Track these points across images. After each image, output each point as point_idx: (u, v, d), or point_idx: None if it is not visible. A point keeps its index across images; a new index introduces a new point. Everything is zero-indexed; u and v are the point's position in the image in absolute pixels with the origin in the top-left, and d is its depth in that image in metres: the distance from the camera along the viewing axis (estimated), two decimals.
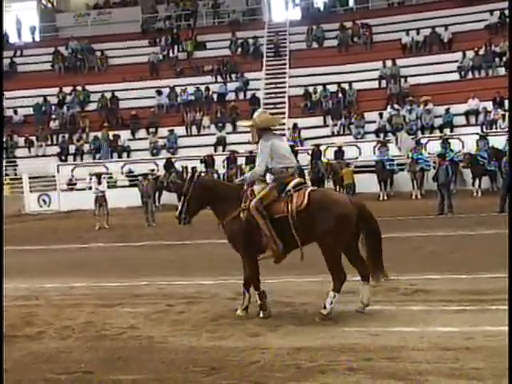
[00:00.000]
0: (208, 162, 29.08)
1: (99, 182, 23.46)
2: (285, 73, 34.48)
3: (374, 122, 30.54)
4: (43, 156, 33.04)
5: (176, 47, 37.30)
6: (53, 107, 35.25)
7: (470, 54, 31.95)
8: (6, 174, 32.44)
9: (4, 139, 33.02)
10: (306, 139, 30.56)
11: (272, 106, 32.70)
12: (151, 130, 32.88)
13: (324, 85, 32.64)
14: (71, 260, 15.28)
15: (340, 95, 32.37)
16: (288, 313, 8.66)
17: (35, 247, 18.03)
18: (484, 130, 28.36)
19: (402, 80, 32.21)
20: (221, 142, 31.38)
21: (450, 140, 27.16)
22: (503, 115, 27.96)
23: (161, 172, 28.79)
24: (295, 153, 27.43)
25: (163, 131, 32.62)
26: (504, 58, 30.82)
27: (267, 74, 34.60)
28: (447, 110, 29.60)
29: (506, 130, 25.80)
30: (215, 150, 31.03)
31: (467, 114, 29.82)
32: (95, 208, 23.07)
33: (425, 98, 30.17)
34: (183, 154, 30.91)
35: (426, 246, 13.89)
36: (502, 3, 31.72)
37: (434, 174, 21.12)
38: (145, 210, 23.02)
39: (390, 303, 8.87)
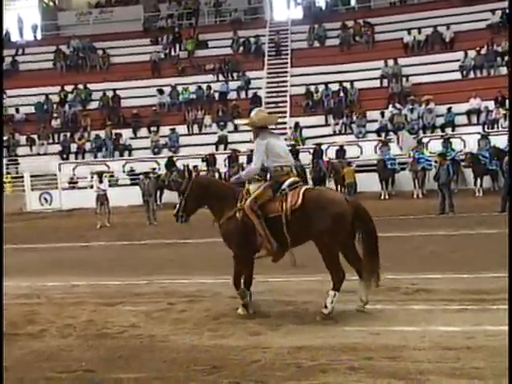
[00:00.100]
0: (209, 160, 29.12)
1: (101, 181, 23.50)
2: (286, 72, 34.47)
3: (376, 121, 30.55)
4: (45, 154, 33.06)
5: (178, 46, 37.29)
6: (54, 106, 35.27)
7: (472, 53, 31.92)
8: (8, 173, 32.48)
9: (6, 138, 33.05)
10: (308, 138, 30.54)
11: (274, 105, 32.73)
12: (153, 128, 32.89)
13: (326, 84, 32.63)
14: (72, 258, 15.28)
15: (342, 94, 32.34)
16: (289, 312, 8.67)
17: (36, 246, 18.05)
18: (486, 129, 28.34)
19: (404, 79, 32.19)
20: (222, 141, 31.38)
21: (451, 139, 27.17)
22: (505, 114, 27.94)
23: (162, 171, 28.81)
24: (297, 152, 27.59)
25: (165, 130, 32.63)
26: (506, 58, 30.75)
27: (269, 73, 34.59)
28: (449, 110, 29.59)
29: (508, 129, 25.78)
30: (217, 149, 31.04)
31: (469, 113, 29.80)
32: (97, 206, 23.09)
33: (426, 97, 30.15)
34: (185, 153, 30.90)
35: (427, 245, 13.89)
36: (504, 2, 31.64)
37: (435, 173, 21.10)
38: (146, 209, 23.05)
39: (391, 302, 8.87)
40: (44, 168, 31.07)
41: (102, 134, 32.81)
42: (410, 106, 30.41)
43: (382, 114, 30.32)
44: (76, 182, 30.78)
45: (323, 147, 28.42)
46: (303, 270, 10.38)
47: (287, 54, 35.38)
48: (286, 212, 8.24)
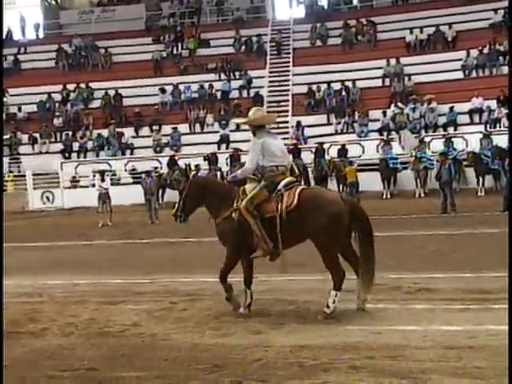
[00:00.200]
0: (211, 159, 29.12)
1: (102, 180, 23.53)
2: (288, 71, 34.48)
3: (378, 120, 30.55)
4: (47, 153, 33.11)
5: (180, 45, 37.31)
6: (57, 104, 35.34)
7: (474, 52, 31.91)
8: (10, 171, 32.55)
9: (8, 136, 33.09)
10: (310, 137, 30.53)
11: (275, 104, 32.78)
12: (155, 127, 32.92)
13: (328, 83, 32.61)
14: (74, 257, 15.29)
15: (344, 93, 32.35)
16: (291, 311, 8.67)
17: (38, 244, 18.04)
18: (488, 128, 28.32)
19: (406, 78, 32.18)
20: (224, 140, 31.39)
21: (453, 139, 27.14)
22: (507, 114, 27.90)
23: (164, 169, 28.81)
24: (299, 151, 27.60)
25: (167, 129, 32.66)
26: (508, 57, 30.71)
27: (271, 72, 34.59)
28: (451, 109, 29.57)
29: (509, 128, 25.78)
30: (218, 148, 31.05)
31: (471, 112, 29.78)
32: (98, 205, 23.12)
33: (428, 96, 30.14)
34: (186, 152, 30.92)
35: (429, 244, 13.89)
36: (506, 2, 31.61)
37: (436, 172, 21.07)
38: (148, 208, 23.06)
39: (393, 302, 8.87)
40: (46, 167, 31.11)
41: (104, 132, 32.86)
42: (412, 105, 30.40)
43: (384, 113, 30.32)
44: (78, 181, 30.83)
45: (325, 146, 28.40)
46: (305, 269, 10.41)
47: (289, 53, 35.38)
48: (280, 212, 8.25)
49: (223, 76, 35.11)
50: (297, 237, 8.39)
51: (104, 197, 22.93)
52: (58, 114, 34.62)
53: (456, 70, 32.02)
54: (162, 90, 34.29)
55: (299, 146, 28.38)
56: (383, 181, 26.20)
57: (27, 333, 8.35)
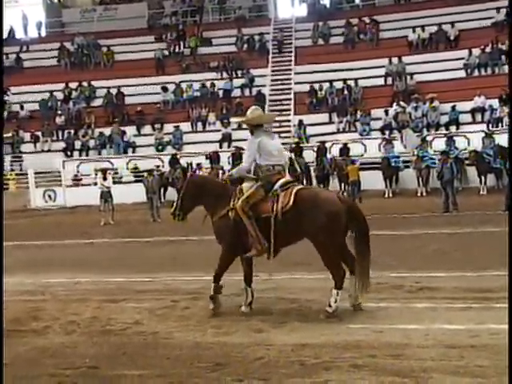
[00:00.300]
0: (213, 158, 29.11)
1: (104, 178, 23.53)
2: (290, 69, 34.44)
3: (380, 119, 30.53)
4: (49, 151, 33.12)
5: (182, 43, 37.27)
6: (59, 103, 35.34)
7: (477, 51, 31.85)
8: (12, 170, 32.57)
9: (10, 134, 33.12)
10: (312, 136, 30.52)
11: (278, 103, 32.78)
12: (157, 126, 32.91)
13: (330, 82, 32.59)
14: (76, 255, 15.30)
15: (346, 92, 32.34)
16: (293, 309, 8.68)
17: (40, 242, 18.05)
18: (490, 127, 28.30)
19: (408, 77, 32.15)
20: (226, 139, 31.37)
21: (455, 138, 27.12)
22: (508, 113, 27.88)
23: (166, 168, 28.82)
24: (300, 149, 27.60)
25: (169, 127, 32.66)
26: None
27: (273, 71, 34.57)
28: (453, 108, 29.55)
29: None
30: (220, 147, 31.04)
31: (473, 111, 29.76)
32: (100, 204, 23.14)
33: (431, 95, 30.11)
34: (188, 150, 30.93)
35: (430, 243, 13.88)
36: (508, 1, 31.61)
37: (438, 171, 21.04)
38: (150, 206, 23.07)
39: (395, 300, 8.87)
40: (48, 165, 31.11)
41: (106, 131, 32.85)
42: (415, 104, 30.37)
43: (386, 112, 30.30)
44: (80, 179, 30.84)
45: (327, 145, 28.39)
46: (307, 268, 10.41)
47: (291, 52, 35.34)
48: (276, 213, 8.28)
49: (225, 75, 35.09)
50: (293, 236, 8.43)
51: (106, 195, 22.95)
52: (60, 112, 34.62)
53: (458, 69, 31.99)
54: (164, 89, 34.28)
55: (301, 145, 28.37)
56: (385, 179, 26.20)
57: (29, 331, 8.36)
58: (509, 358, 5.70)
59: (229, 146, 30.73)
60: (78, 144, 33.07)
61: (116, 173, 29.59)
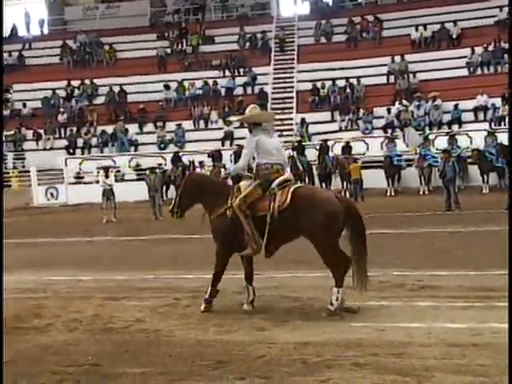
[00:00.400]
0: (215, 156, 29.10)
1: (107, 176, 23.54)
2: (293, 68, 34.43)
3: (382, 117, 30.53)
4: (51, 149, 33.15)
5: (184, 41, 37.27)
6: (61, 100, 35.32)
7: (479, 49, 31.82)
8: (14, 167, 32.60)
9: (12, 132, 33.16)
10: (314, 134, 30.52)
11: (280, 101, 32.78)
12: (159, 124, 32.91)
13: (332, 80, 32.58)
14: (78, 253, 15.32)
15: (348, 90, 32.33)
16: (295, 307, 8.68)
17: (42, 240, 18.08)
18: (492, 126, 28.28)
19: (411, 76, 32.13)
20: (228, 137, 31.37)
21: (457, 136, 27.09)
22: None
23: (168, 166, 28.82)
24: (303, 148, 27.59)
25: (171, 125, 32.66)
26: None
27: (275, 69, 34.55)
28: (456, 106, 29.53)
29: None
30: (223, 145, 31.04)
31: (476, 110, 29.73)
32: (102, 201, 23.15)
33: (433, 93, 30.10)
34: (191, 148, 30.94)
35: (433, 242, 13.88)
36: None
37: (440, 170, 21.01)
38: (152, 204, 23.09)
39: (397, 299, 8.87)
40: (50, 163, 31.13)
41: (109, 129, 32.85)
42: (417, 103, 30.35)
43: (389, 111, 30.28)
44: (82, 177, 30.86)
45: (329, 143, 28.38)
46: (310, 267, 10.41)
47: (294, 50, 35.32)
48: (272, 212, 8.28)
49: (227, 73, 35.08)
50: (289, 235, 8.44)
51: (108, 193, 22.96)
52: (62, 110, 34.62)
53: (461, 68, 31.95)
54: (167, 87, 34.29)
55: (303, 143, 28.36)
56: (387, 178, 26.19)
57: (32, 328, 8.37)
58: (509, 357, 5.69)
59: (231, 145, 30.73)
60: (80, 142, 33.08)
61: (118, 171, 29.60)
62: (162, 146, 31.93)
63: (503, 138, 25.28)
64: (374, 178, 26.01)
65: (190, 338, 7.57)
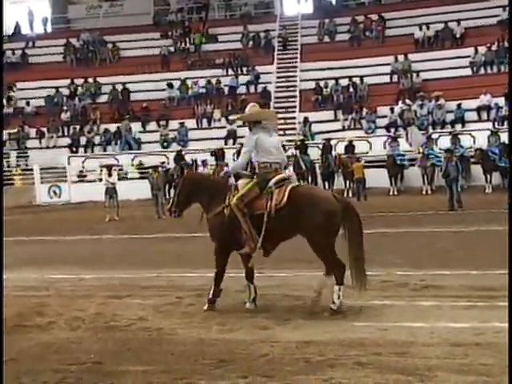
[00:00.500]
0: (218, 155, 29.07)
1: (110, 174, 23.57)
2: (296, 66, 34.41)
3: (385, 116, 30.50)
4: (54, 147, 33.16)
5: (187, 40, 37.26)
6: (64, 99, 35.37)
7: (483, 49, 31.77)
8: (18, 165, 32.64)
9: (15, 130, 33.19)
10: (317, 133, 30.50)
11: (283, 100, 32.77)
12: (162, 122, 32.91)
13: (335, 79, 32.55)
14: (81, 251, 15.33)
15: (351, 90, 32.29)
16: (297, 306, 8.68)
17: (45, 238, 18.08)
18: (495, 125, 28.24)
19: (414, 75, 32.08)
20: (231, 135, 31.36)
21: (460, 136, 27.06)
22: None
23: (171, 164, 28.81)
24: (305, 147, 27.56)
25: (174, 124, 32.66)
26: None
27: (278, 68, 34.54)
28: (459, 106, 29.49)
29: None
30: (225, 143, 31.04)
31: (479, 109, 29.68)
32: (105, 200, 23.18)
33: (436, 93, 30.05)
34: (194, 147, 30.94)
35: (435, 241, 13.87)
36: None
37: (443, 169, 20.99)
38: (155, 203, 23.11)
39: (400, 298, 8.87)
40: (53, 161, 31.17)
41: (112, 127, 32.85)
42: (420, 102, 30.31)
43: (392, 110, 30.25)
44: (85, 176, 30.91)
45: (332, 142, 28.36)
46: (311, 265, 10.39)
47: (297, 49, 35.30)
48: (269, 210, 8.29)
49: (231, 71, 35.07)
50: (286, 233, 8.45)
51: (111, 191, 22.99)
52: (65, 108, 34.66)
53: (464, 67, 31.91)
54: (170, 85, 34.29)
55: (306, 142, 28.34)
56: (390, 177, 26.17)
57: (34, 326, 8.38)
58: (509, 356, 5.69)
59: (234, 143, 30.69)
60: (83, 140, 33.09)
61: (121, 169, 29.61)
62: (165, 144, 31.95)
63: (506, 137, 25.25)
64: (377, 178, 26.00)
65: (193, 337, 7.58)
